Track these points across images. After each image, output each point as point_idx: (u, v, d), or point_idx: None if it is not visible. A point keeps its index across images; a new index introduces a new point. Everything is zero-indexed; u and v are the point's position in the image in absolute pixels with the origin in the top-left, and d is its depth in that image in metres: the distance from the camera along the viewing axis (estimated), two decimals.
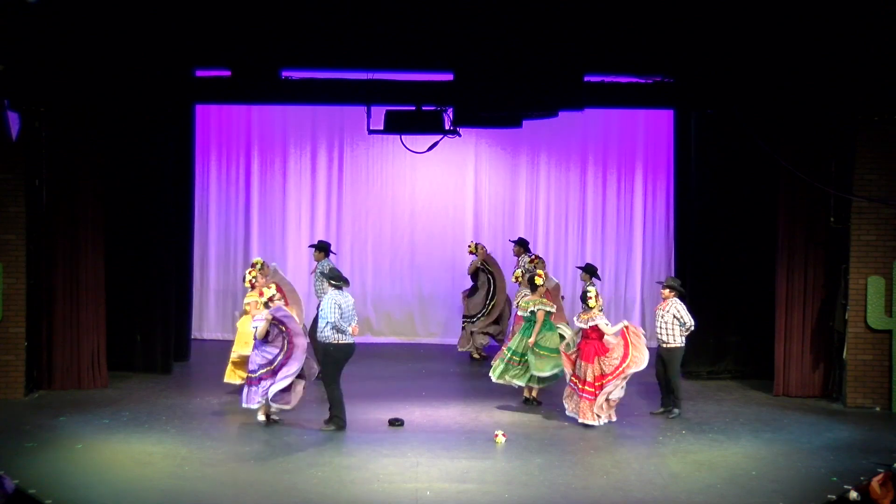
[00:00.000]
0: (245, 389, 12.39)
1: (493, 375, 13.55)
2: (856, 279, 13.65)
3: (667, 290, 13.11)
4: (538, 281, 13.50)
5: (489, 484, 10.43)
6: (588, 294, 12.85)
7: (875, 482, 9.32)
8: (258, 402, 12.28)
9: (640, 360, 12.61)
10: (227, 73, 13.26)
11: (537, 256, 16.15)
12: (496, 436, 11.91)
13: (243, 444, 11.64)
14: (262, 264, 14.44)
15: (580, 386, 12.64)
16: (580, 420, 12.57)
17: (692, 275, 15.45)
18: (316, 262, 14.97)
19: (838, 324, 13.91)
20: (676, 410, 12.99)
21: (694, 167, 15.56)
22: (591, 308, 12.74)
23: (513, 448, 11.69)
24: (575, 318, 13.06)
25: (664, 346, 13.04)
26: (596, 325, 12.64)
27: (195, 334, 17.13)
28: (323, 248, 15.11)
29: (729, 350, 15.30)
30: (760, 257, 14.90)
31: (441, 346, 17.59)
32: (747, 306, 15.17)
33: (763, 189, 14.73)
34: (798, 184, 13.92)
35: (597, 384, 12.54)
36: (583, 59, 12.80)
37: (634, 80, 13.62)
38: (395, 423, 12.52)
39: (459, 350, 16.73)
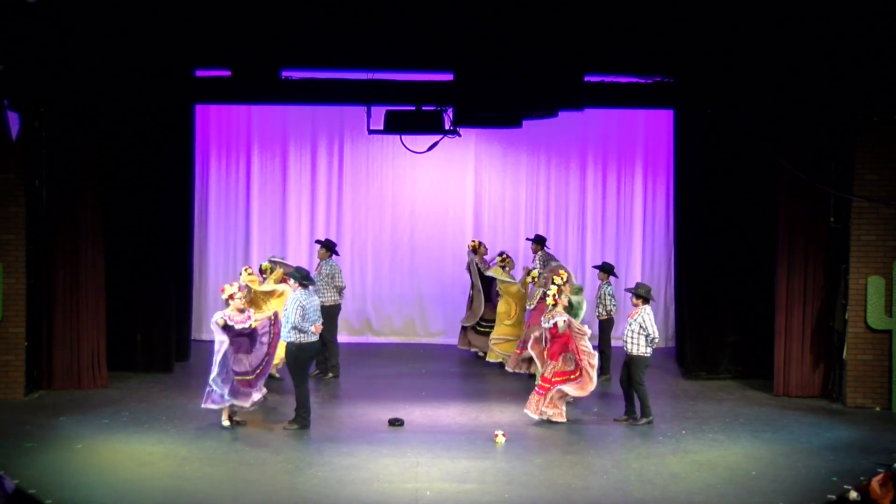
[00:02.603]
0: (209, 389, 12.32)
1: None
2: (856, 279, 13.64)
3: (635, 298, 12.84)
4: (557, 281, 13.58)
5: (489, 484, 10.43)
6: (548, 292, 12.87)
7: (875, 482, 9.33)
8: (220, 405, 12.22)
9: (586, 386, 12.55)
10: (227, 73, 13.27)
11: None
12: (496, 436, 11.91)
13: (243, 444, 11.64)
14: (271, 268, 14.60)
15: (538, 381, 12.74)
16: (525, 409, 12.62)
17: (692, 275, 15.47)
18: (319, 260, 15.01)
19: (838, 324, 13.90)
20: (644, 420, 12.69)
21: (694, 167, 15.56)
22: (554, 307, 12.73)
23: (513, 448, 11.69)
24: (542, 318, 13.08)
25: (629, 354, 12.77)
26: (555, 324, 12.65)
27: (195, 334, 17.11)
28: (329, 247, 15.13)
29: (729, 350, 15.29)
30: (760, 257, 14.90)
31: (441, 346, 17.57)
32: (747, 306, 15.16)
33: (763, 189, 14.73)
34: (798, 184, 13.91)
35: (554, 380, 12.56)
36: (583, 59, 12.80)
37: (634, 80, 13.62)
38: (395, 423, 12.52)
39: (459, 348, 16.76)
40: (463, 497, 10.04)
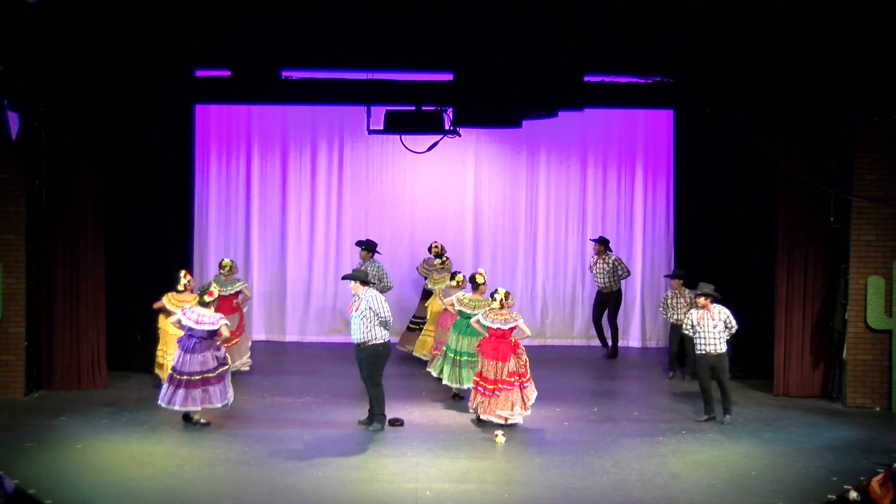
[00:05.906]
0: (166, 387, 12.24)
1: (443, 376, 13.69)
2: (856, 279, 13.65)
3: (702, 299, 12.85)
4: (479, 279, 13.55)
5: (489, 484, 10.43)
6: (495, 295, 12.67)
7: (875, 482, 9.33)
8: (181, 406, 12.12)
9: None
10: (227, 73, 13.27)
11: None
12: (496, 436, 11.91)
13: (243, 444, 11.64)
14: (231, 265, 14.91)
15: (487, 385, 12.44)
16: (494, 415, 12.36)
17: (692, 274, 15.44)
18: (363, 262, 15.06)
19: (838, 324, 13.91)
20: (727, 416, 12.79)
21: (694, 167, 15.56)
22: (501, 309, 12.56)
23: (513, 448, 11.70)
24: (486, 317, 12.66)
25: (715, 353, 12.83)
26: (515, 326, 12.54)
27: None
28: (369, 248, 15.11)
29: (728, 350, 15.24)
30: (760, 257, 14.89)
31: None
32: (747, 306, 15.13)
33: (763, 189, 14.72)
34: (798, 184, 13.91)
35: (508, 380, 12.38)
36: (583, 59, 12.81)
37: (634, 80, 13.62)
38: (395, 423, 12.52)
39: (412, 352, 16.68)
40: (463, 497, 10.04)
